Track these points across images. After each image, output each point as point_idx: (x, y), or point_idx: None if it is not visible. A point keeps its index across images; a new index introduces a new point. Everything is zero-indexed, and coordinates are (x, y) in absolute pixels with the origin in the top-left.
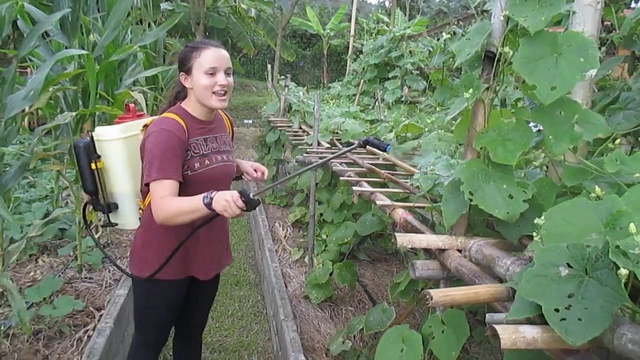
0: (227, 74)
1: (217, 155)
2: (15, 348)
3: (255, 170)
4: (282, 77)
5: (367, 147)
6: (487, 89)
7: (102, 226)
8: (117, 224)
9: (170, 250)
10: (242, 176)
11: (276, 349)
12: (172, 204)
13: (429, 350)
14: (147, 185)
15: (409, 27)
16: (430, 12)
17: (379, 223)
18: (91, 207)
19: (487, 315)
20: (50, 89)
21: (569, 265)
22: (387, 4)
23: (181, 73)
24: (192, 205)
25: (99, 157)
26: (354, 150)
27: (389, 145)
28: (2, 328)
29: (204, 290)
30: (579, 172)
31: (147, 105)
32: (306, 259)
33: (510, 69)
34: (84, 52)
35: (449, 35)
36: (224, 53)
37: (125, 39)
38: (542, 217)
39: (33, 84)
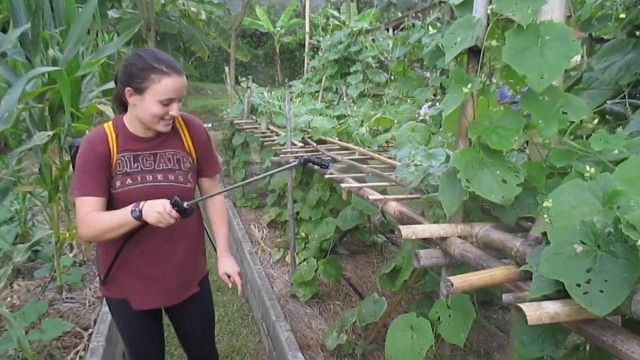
0: (179, 101)
1: (147, 174)
2: None
3: (228, 275)
4: (243, 78)
5: (308, 165)
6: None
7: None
8: None
9: (120, 276)
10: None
11: (269, 350)
12: (97, 220)
13: (437, 334)
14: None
15: (364, 21)
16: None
17: (359, 216)
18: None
19: (503, 295)
20: (15, 109)
21: (582, 242)
22: None
23: (128, 88)
24: (120, 220)
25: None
26: (328, 147)
27: (330, 162)
28: None
29: (185, 316)
30: (565, 153)
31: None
32: (287, 259)
33: (495, 61)
34: (55, 68)
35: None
36: (183, 82)
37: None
38: (550, 200)
39: (7, 106)
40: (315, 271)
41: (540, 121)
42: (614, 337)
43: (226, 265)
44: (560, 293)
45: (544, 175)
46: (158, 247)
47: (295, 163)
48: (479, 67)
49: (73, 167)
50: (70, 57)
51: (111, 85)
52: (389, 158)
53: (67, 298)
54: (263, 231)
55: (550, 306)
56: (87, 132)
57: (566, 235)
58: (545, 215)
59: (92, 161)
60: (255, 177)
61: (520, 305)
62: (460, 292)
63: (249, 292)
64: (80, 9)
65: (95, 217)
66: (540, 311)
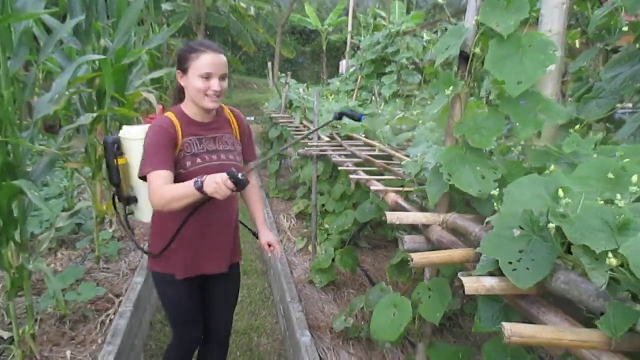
0: (221, 79)
1: (212, 154)
2: (43, 331)
3: (270, 245)
4: (283, 74)
5: (342, 118)
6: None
7: (124, 215)
8: (132, 214)
9: (169, 238)
10: (256, 236)
11: (283, 329)
12: (166, 191)
13: (418, 314)
14: (141, 174)
15: (403, 23)
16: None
17: (376, 210)
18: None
19: (459, 273)
20: (67, 92)
21: (521, 228)
22: None
23: (178, 70)
24: (185, 190)
25: (121, 154)
26: (352, 143)
27: (362, 115)
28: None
29: (218, 288)
30: (544, 155)
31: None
32: (310, 247)
33: (482, 67)
34: (102, 57)
35: (442, 31)
36: (221, 59)
37: (130, 41)
38: (498, 190)
39: (57, 88)
40: (333, 260)
41: (517, 123)
42: (538, 309)
43: (268, 236)
44: (500, 271)
45: (522, 174)
46: (214, 220)
47: (331, 119)
48: (467, 72)
49: (107, 163)
50: (118, 46)
51: (158, 74)
52: (406, 155)
53: (103, 268)
54: (291, 221)
55: (488, 280)
56: (153, 121)
57: (509, 221)
58: (494, 203)
59: (163, 142)
60: (288, 144)
61: (461, 277)
62: (420, 267)
63: (271, 276)
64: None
65: (165, 188)
66: (478, 284)
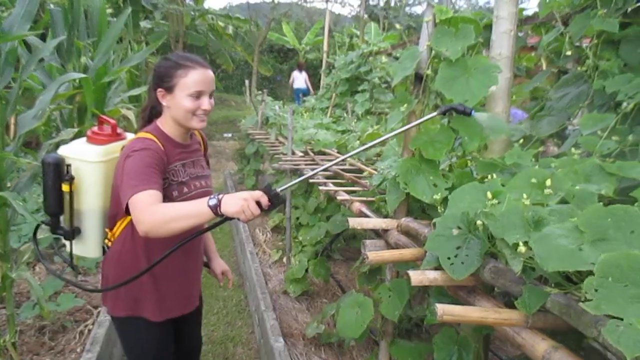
0: (210, 96)
1: (196, 181)
2: (23, 341)
3: (223, 273)
4: (260, 91)
5: (450, 113)
6: (417, 102)
7: (58, 254)
8: (63, 247)
9: (141, 288)
10: (206, 265)
11: (258, 338)
12: (165, 208)
13: (379, 312)
14: (126, 207)
15: (376, 44)
16: (401, 26)
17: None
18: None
19: (409, 270)
20: (48, 108)
21: (459, 227)
22: (363, 15)
23: (159, 89)
24: (193, 210)
25: (71, 178)
26: (325, 158)
27: (473, 109)
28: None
29: (189, 318)
30: (489, 165)
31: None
32: (284, 259)
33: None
34: (83, 75)
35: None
36: (210, 75)
37: (109, 60)
38: (439, 195)
39: (41, 104)
40: (306, 270)
41: (465, 137)
42: (474, 297)
43: (222, 265)
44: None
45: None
46: (195, 248)
47: (436, 113)
48: (421, 91)
49: (44, 185)
50: (99, 65)
51: (136, 91)
52: (374, 169)
53: (81, 280)
54: (266, 234)
55: (431, 274)
56: (132, 142)
57: (449, 222)
58: (438, 206)
59: (154, 164)
60: (357, 150)
61: (408, 272)
62: (375, 263)
63: (247, 288)
64: (111, 22)
65: (162, 205)
66: (423, 276)
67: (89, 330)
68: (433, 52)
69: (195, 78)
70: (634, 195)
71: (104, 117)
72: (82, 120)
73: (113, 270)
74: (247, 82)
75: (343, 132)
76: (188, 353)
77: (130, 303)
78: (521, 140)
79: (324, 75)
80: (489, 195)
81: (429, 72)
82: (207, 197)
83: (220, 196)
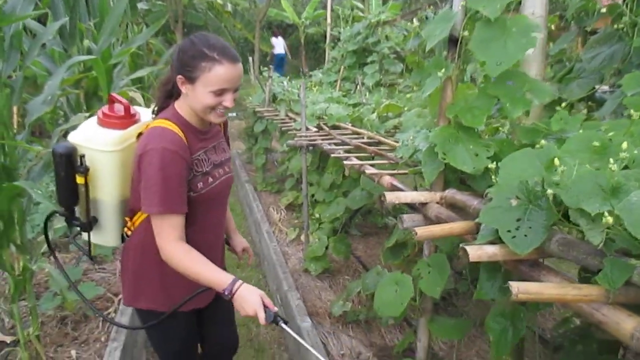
0: (235, 92)
1: (219, 169)
2: (46, 333)
3: (244, 250)
4: (265, 68)
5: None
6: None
7: (73, 243)
8: (78, 235)
9: (166, 280)
10: (227, 243)
11: None
12: (186, 259)
13: (419, 290)
14: (146, 212)
15: (383, 13)
16: None
17: (367, 197)
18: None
19: (460, 245)
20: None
21: (517, 198)
22: None
23: (180, 76)
24: (208, 278)
25: (85, 170)
26: (341, 132)
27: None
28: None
29: (217, 304)
30: (532, 132)
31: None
32: (302, 238)
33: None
34: (93, 57)
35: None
36: (238, 70)
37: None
38: (496, 164)
39: (50, 90)
40: (326, 248)
41: (507, 104)
42: (539, 273)
43: (243, 242)
44: (499, 239)
45: (512, 150)
46: (218, 234)
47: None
48: (457, 55)
49: (56, 177)
50: (104, 47)
51: (139, 74)
52: (395, 141)
53: (99, 268)
54: (281, 213)
55: (489, 248)
56: (150, 132)
57: (506, 192)
58: (492, 176)
59: (180, 173)
60: None
61: (464, 246)
62: (424, 239)
63: (265, 267)
64: (113, 2)
65: (186, 254)
66: (481, 251)
67: (112, 319)
68: (468, 12)
69: (220, 75)
70: None
71: (115, 95)
72: (91, 104)
73: (132, 260)
74: (250, 59)
75: (354, 105)
76: (219, 353)
77: (149, 296)
78: (563, 104)
79: (329, 48)
80: (556, 161)
81: (465, 33)
82: (227, 279)
83: (235, 287)
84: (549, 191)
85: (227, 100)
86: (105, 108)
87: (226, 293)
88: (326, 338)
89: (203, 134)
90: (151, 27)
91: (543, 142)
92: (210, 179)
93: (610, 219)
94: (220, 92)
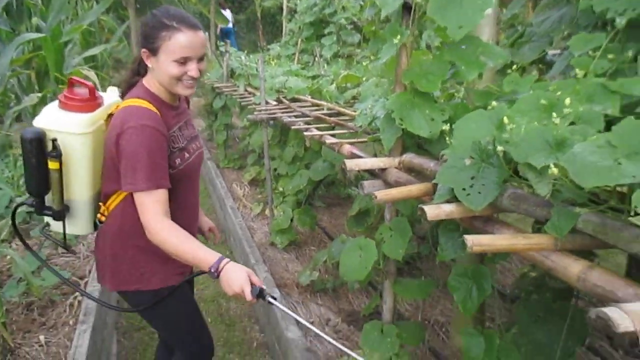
0: (199, 61)
1: (192, 144)
2: (12, 320)
3: (210, 230)
4: (222, 43)
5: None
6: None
7: (48, 237)
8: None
9: (146, 261)
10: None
11: None
12: (172, 237)
13: (382, 253)
14: (130, 193)
15: None
16: None
17: (329, 168)
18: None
19: (419, 205)
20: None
21: (471, 157)
22: None
23: (143, 49)
24: (195, 256)
25: (57, 155)
26: (300, 105)
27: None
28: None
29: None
30: (485, 94)
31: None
32: (267, 212)
33: (425, 17)
34: (41, 35)
35: None
36: (199, 37)
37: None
38: (450, 126)
39: (0, 70)
40: (291, 220)
41: (462, 67)
42: (492, 227)
43: (208, 222)
44: (455, 198)
45: (466, 113)
46: (191, 220)
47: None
48: (411, 22)
49: (26, 164)
50: (53, 25)
51: (92, 51)
52: (354, 111)
53: (63, 253)
54: (244, 189)
55: (446, 207)
56: (125, 112)
57: (460, 152)
58: (447, 138)
59: (161, 148)
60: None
61: (422, 206)
62: (383, 203)
63: (232, 243)
64: None
65: (173, 233)
66: (439, 210)
67: (79, 302)
68: None
69: (180, 42)
70: None
71: (76, 78)
72: (43, 84)
73: (111, 244)
74: (206, 34)
75: (313, 77)
76: None
77: (135, 277)
78: (514, 67)
79: (286, 21)
80: (506, 120)
81: (418, 0)
82: (213, 257)
83: (221, 264)
84: (499, 148)
85: (192, 70)
86: (66, 91)
87: (212, 271)
88: (295, 308)
89: (175, 109)
90: (102, 4)
91: (494, 103)
92: (187, 154)
93: (555, 170)
94: (183, 61)
